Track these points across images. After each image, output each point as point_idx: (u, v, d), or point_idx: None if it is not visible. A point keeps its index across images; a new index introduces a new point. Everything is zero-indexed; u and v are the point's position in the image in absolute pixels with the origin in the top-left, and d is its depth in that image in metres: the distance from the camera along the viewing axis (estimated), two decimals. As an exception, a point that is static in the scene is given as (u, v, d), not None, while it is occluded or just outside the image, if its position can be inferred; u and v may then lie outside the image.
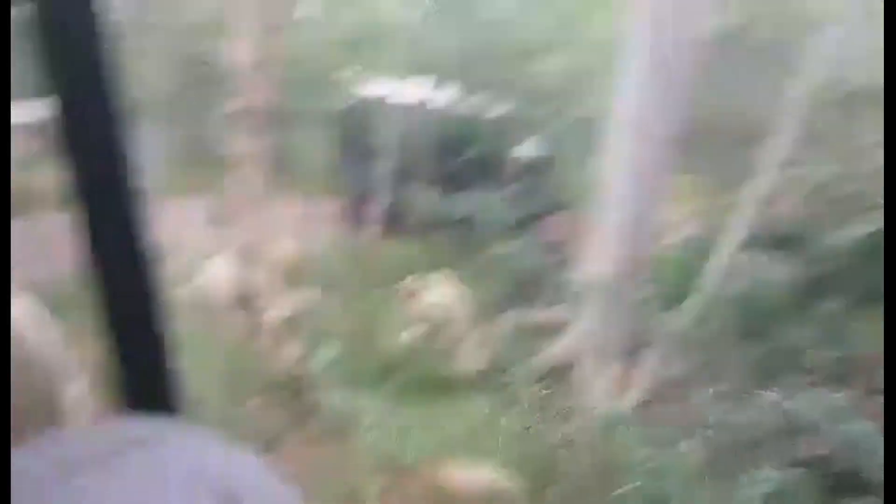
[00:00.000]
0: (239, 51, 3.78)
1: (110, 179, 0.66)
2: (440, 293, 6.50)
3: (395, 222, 9.11)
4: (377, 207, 8.12)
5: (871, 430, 3.55)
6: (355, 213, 9.51)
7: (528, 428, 4.79)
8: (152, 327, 0.73)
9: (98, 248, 0.68)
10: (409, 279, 7.04)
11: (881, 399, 3.84)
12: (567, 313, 6.46)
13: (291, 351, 4.17)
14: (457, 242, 8.37)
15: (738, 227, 5.38)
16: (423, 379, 5.32)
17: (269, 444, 3.89)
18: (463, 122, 9.84)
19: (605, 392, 5.41)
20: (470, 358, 5.61)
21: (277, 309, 4.06)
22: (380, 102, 8.44)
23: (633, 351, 5.78)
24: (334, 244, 8.33)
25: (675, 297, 6.27)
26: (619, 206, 6.21)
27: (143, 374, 0.74)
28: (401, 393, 5.10)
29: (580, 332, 6.12)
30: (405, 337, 5.72)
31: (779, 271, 4.98)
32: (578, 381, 5.86)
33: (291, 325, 4.14)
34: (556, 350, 6.10)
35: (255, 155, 3.89)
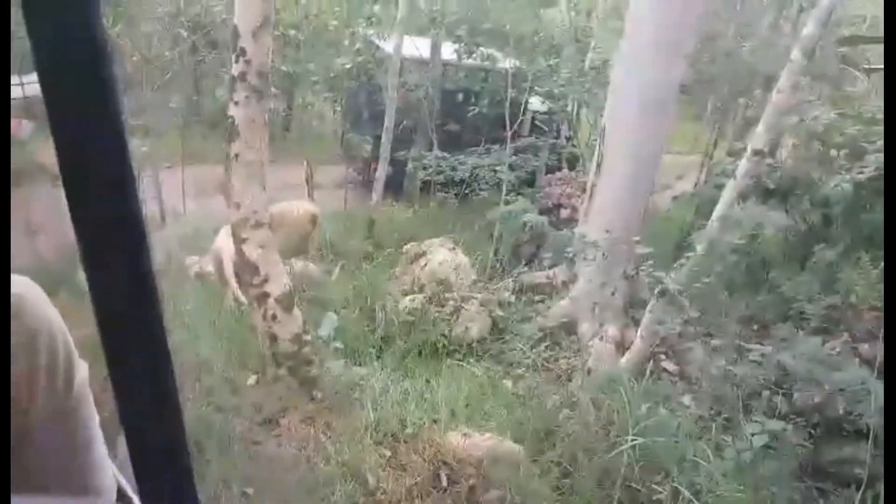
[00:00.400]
0: (242, 12, 3.71)
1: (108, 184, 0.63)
2: (441, 259, 6.53)
3: (399, 185, 9.13)
4: (381, 171, 8.11)
5: (861, 375, 3.57)
6: (360, 177, 9.51)
7: (530, 390, 4.86)
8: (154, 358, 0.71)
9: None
10: (410, 245, 7.08)
11: (870, 345, 3.85)
12: (567, 274, 6.48)
13: (292, 322, 4.20)
14: (459, 204, 8.40)
15: (736, 178, 5.31)
16: (424, 346, 5.38)
17: (271, 417, 3.98)
18: (470, 75, 9.71)
19: (604, 351, 5.44)
20: (471, 323, 5.65)
21: (278, 280, 4.08)
22: (388, 58, 8.30)
23: (631, 309, 5.80)
24: (336, 211, 8.35)
25: (673, 253, 6.25)
26: (618, 161, 6.14)
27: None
28: (402, 361, 5.18)
29: (579, 292, 6.15)
30: (406, 304, 5.76)
31: (775, 221, 4.93)
32: (578, 341, 5.91)
33: (291, 296, 4.16)
34: (555, 311, 6.14)
35: (259, 120, 3.84)
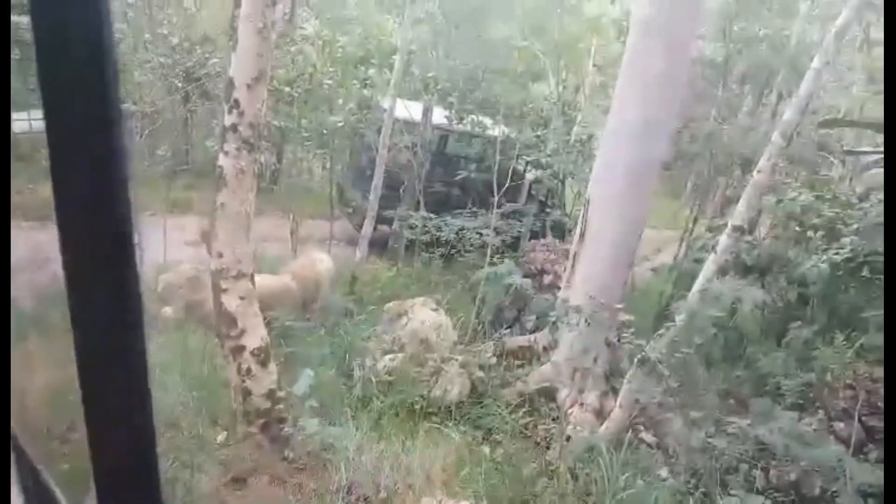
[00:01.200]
0: (237, 65, 3.78)
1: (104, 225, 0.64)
2: (422, 318, 6.50)
3: (384, 244, 9.18)
4: (367, 228, 8.14)
5: (837, 452, 3.56)
6: (348, 232, 9.55)
7: (508, 457, 4.77)
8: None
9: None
10: (392, 304, 7.05)
11: (846, 423, 3.85)
12: (548, 339, 6.47)
13: (266, 378, 4.12)
14: (443, 265, 8.43)
15: (716, 253, 5.43)
16: (401, 407, 5.28)
17: (240, 477, 3.84)
18: (460, 140, 9.91)
19: (583, 419, 5.39)
20: (450, 385, 5.58)
21: (255, 332, 4.02)
22: (379, 118, 8.47)
23: (612, 377, 5.78)
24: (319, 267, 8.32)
25: (652, 323, 6.29)
26: (601, 232, 6.24)
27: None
28: (378, 421, 5.08)
29: (560, 357, 6.13)
30: (385, 363, 5.69)
31: (753, 297, 5.01)
32: (558, 407, 5.85)
33: (268, 349, 4.10)
34: (535, 376, 6.09)
35: (248, 171, 3.86)
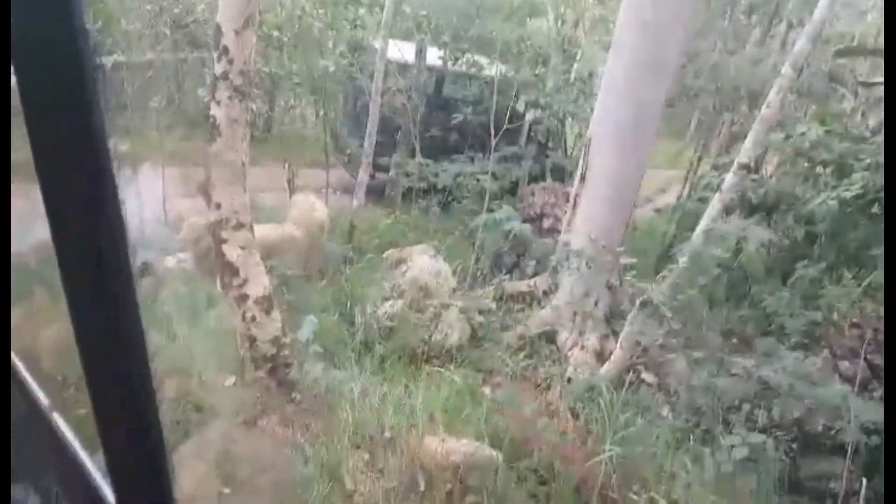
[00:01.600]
0: (224, 10, 3.65)
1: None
2: (421, 265, 6.49)
3: (382, 190, 9.07)
4: (363, 175, 8.03)
5: (841, 391, 3.59)
6: (344, 181, 9.44)
7: (508, 398, 4.83)
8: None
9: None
10: (390, 251, 7.03)
11: (851, 362, 3.88)
12: (548, 283, 6.47)
13: (270, 325, 4.13)
14: (441, 212, 8.36)
15: (721, 192, 5.36)
16: (403, 351, 5.32)
17: (250, 419, 3.91)
18: (457, 81, 9.68)
19: (584, 360, 5.43)
20: (450, 330, 5.61)
21: (257, 281, 4.01)
22: (372, 62, 8.25)
23: (612, 319, 5.80)
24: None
25: (655, 265, 6.27)
26: (602, 173, 6.15)
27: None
28: (381, 366, 5.12)
29: (561, 301, 6.14)
30: (386, 309, 5.70)
31: (759, 236, 4.96)
32: (559, 350, 5.89)
33: (271, 298, 4.10)
34: (535, 320, 6.11)
35: (241, 120, 3.78)
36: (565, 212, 6.74)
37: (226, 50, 3.67)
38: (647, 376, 5.02)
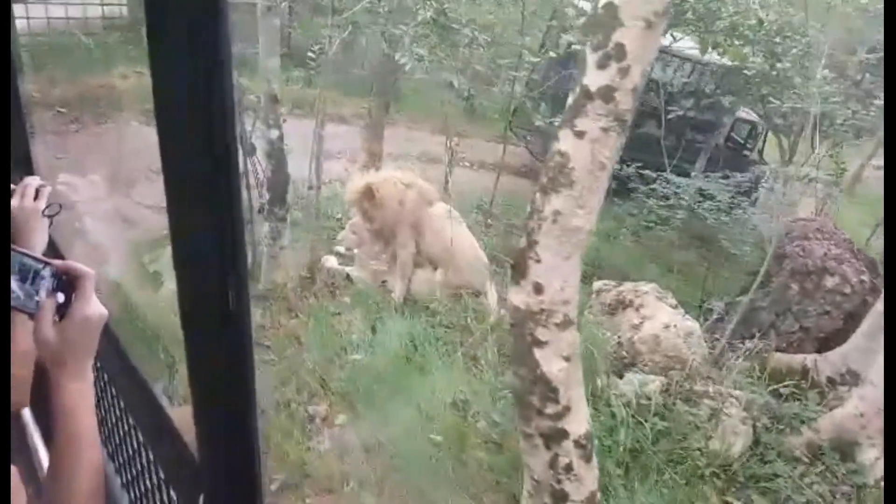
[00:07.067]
0: None
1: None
2: (665, 320, 5.00)
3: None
4: None
5: None
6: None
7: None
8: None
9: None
10: (600, 284, 5.55)
11: None
12: (840, 364, 4.88)
13: (590, 478, 2.78)
14: (663, 235, 6.60)
15: None
16: (683, 468, 3.89)
17: None
18: (705, 74, 7.91)
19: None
20: (735, 435, 4.14)
21: (580, 411, 2.65)
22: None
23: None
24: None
25: None
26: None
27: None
28: (658, 489, 3.73)
29: (867, 398, 4.53)
30: (633, 387, 4.26)
31: None
32: (861, 472, 4.36)
33: (592, 437, 2.73)
34: (828, 422, 4.54)
35: (607, 167, 2.36)
36: (857, 272, 5.09)
37: (620, 51, 2.20)
38: None
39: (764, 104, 7.90)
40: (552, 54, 5.95)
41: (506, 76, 9.32)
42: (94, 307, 0.95)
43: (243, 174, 4.85)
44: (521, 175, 8.36)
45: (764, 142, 9.42)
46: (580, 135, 2.32)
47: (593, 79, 2.26)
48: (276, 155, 4.54)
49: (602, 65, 2.24)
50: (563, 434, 2.57)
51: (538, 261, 2.49)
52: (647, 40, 2.20)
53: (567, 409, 2.55)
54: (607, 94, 2.24)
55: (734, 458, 4.08)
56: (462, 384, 4.14)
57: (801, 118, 7.84)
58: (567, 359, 2.54)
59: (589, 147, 2.32)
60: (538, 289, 2.51)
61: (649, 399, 4.12)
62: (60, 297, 0.94)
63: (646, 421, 3.96)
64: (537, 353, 2.54)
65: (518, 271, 2.56)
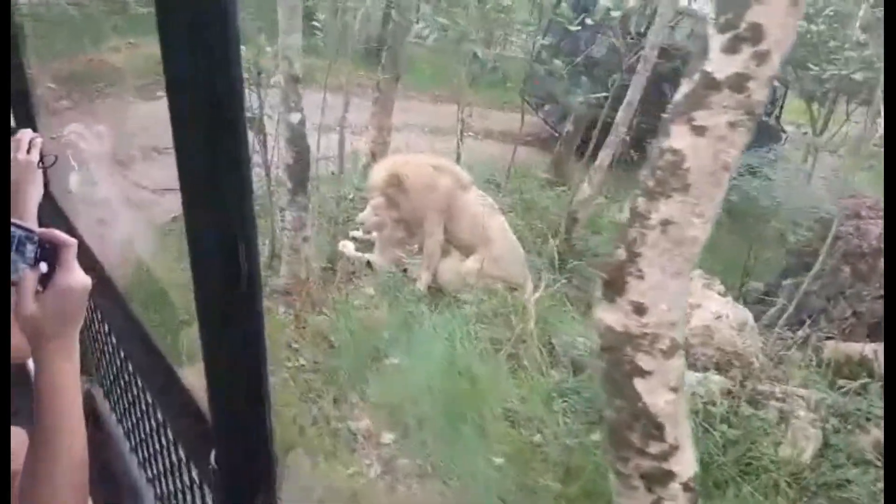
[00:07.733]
0: None
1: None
2: (715, 309, 4.69)
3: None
4: (604, 156, 5.94)
5: None
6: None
7: None
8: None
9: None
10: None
11: None
12: None
13: None
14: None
15: None
16: (756, 480, 3.59)
17: None
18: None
19: None
20: (806, 440, 3.84)
21: (687, 450, 2.32)
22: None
23: None
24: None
25: None
26: None
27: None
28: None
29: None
30: (696, 390, 3.95)
31: None
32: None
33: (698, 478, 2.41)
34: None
35: (731, 169, 2.00)
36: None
37: (757, 32, 1.81)
38: None
39: (795, 70, 7.53)
40: (589, 21, 5.47)
41: (520, 42, 8.83)
42: (76, 276, 0.92)
43: (262, 163, 4.46)
44: (528, 144, 7.97)
45: (782, 106, 9.06)
46: (700, 130, 1.94)
47: (720, 65, 1.87)
48: (298, 141, 4.12)
49: (732, 48, 1.84)
50: (670, 476, 2.24)
51: (641, 277, 2.13)
52: (790, 19, 1.81)
53: (675, 448, 2.22)
54: (739, 83, 1.85)
55: (805, 465, 3.79)
56: (510, 390, 3.82)
57: (834, 84, 7.49)
58: (674, 390, 2.20)
59: (711, 145, 1.94)
60: (640, 309, 2.15)
61: (715, 404, 3.81)
62: (44, 267, 0.90)
63: (714, 429, 3.66)
64: (639, 383, 2.19)
65: (613, 287, 2.20)
